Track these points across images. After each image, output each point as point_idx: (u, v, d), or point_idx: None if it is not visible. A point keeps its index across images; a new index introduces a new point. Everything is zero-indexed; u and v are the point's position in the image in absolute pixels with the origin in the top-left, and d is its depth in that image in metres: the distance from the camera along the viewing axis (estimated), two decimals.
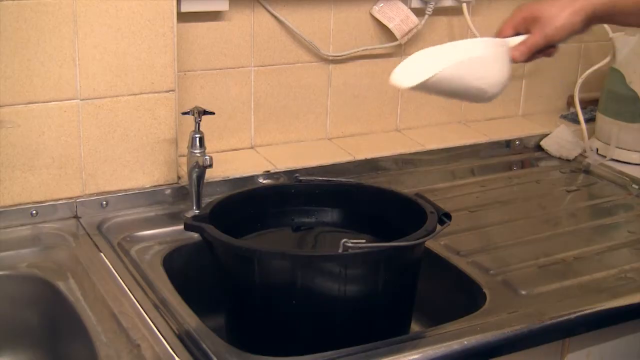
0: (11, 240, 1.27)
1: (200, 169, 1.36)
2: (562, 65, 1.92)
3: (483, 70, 1.12)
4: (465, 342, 1.06)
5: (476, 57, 1.12)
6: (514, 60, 1.15)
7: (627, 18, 1.19)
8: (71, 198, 1.35)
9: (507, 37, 1.18)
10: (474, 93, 1.14)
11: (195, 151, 1.35)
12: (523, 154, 1.77)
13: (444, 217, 1.14)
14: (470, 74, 1.12)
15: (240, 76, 1.55)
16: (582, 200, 1.58)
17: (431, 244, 1.28)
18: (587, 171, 1.69)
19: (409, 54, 1.18)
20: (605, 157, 1.72)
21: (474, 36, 1.72)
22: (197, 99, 1.51)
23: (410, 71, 1.13)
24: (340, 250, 1.02)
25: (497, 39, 1.18)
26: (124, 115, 1.36)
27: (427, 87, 1.10)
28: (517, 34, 1.18)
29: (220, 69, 1.53)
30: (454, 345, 1.06)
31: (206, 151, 1.35)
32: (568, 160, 1.73)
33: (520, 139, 1.78)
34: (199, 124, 1.35)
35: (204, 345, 1.03)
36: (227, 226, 1.10)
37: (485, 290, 1.19)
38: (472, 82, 1.12)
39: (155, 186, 1.41)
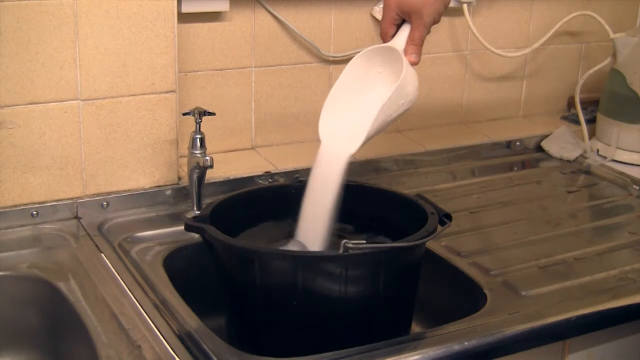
0: (12, 241, 1.27)
1: (200, 170, 1.36)
2: (563, 66, 1.92)
3: (403, 97, 1.15)
4: (466, 343, 1.06)
5: (393, 93, 1.13)
6: (414, 64, 1.17)
7: None
8: (72, 199, 1.35)
9: (392, 35, 1.20)
10: (403, 112, 1.17)
11: (196, 152, 1.35)
12: (524, 154, 1.77)
13: (445, 217, 1.14)
14: (396, 108, 1.15)
15: (241, 77, 1.55)
16: (582, 201, 1.58)
17: (432, 244, 1.29)
18: (587, 172, 1.69)
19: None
20: (606, 157, 1.72)
21: (475, 36, 1.73)
22: (198, 99, 1.51)
23: (340, 133, 1.16)
24: (340, 251, 1.02)
25: (387, 47, 1.19)
26: (124, 116, 1.36)
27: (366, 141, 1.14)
28: (398, 26, 1.20)
29: (221, 70, 1.53)
30: (455, 346, 1.06)
31: (207, 152, 1.35)
32: (569, 161, 1.73)
33: (521, 140, 1.78)
34: (199, 125, 1.35)
35: (205, 346, 1.03)
36: (227, 227, 1.10)
37: (486, 291, 1.19)
38: (400, 110, 1.16)
39: (155, 187, 1.41)
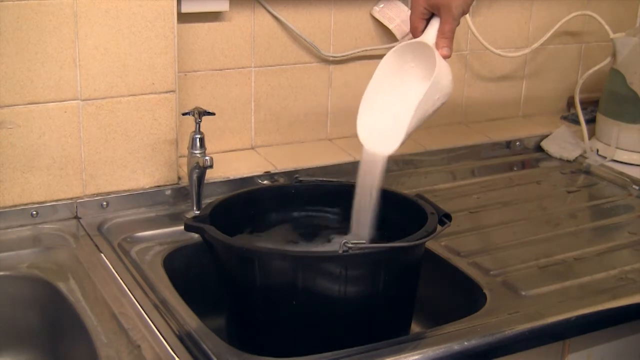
0: (11, 241, 1.27)
1: (200, 170, 1.36)
2: (563, 66, 1.92)
3: (439, 91, 1.15)
4: (466, 343, 1.06)
5: (428, 88, 1.13)
6: (446, 57, 1.17)
7: None
8: (71, 199, 1.35)
9: (422, 30, 1.20)
10: (439, 106, 1.17)
11: (196, 152, 1.35)
12: (523, 154, 1.77)
13: (445, 217, 1.14)
14: (432, 103, 1.15)
15: (241, 77, 1.55)
16: (582, 201, 1.58)
17: (432, 244, 1.29)
18: (587, 172, 1.69)
19: None
20: (605, 157, 1.72)
21: (474, 36, 1.73)
22: (198, 99, 1.51)
23: (379, 133, 1.16)
24: (340, 251, 1.02)
25: (419, 43, 1.19)
26: (124, 116, 1.36)
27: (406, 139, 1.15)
28: (427, 20, 1.20)
29: (221, 70, 1.53)
30: (455, 346, 1.06)
31: (206, 152, 1.35)
32: (568, 161, 1.73)
33: (520, 140, 1.78)
34: (199, 125, 1.35)
35: (205, 346, 1.03)
36: (227, 227, 1.11)
37: (486, 291, 1.19)
38: (436, 105, 1.16)
39: (155, 187, 1.41)
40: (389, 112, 1.17)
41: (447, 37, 1.17)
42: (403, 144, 1.14)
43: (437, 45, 1.17)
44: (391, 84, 1.19)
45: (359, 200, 1.17)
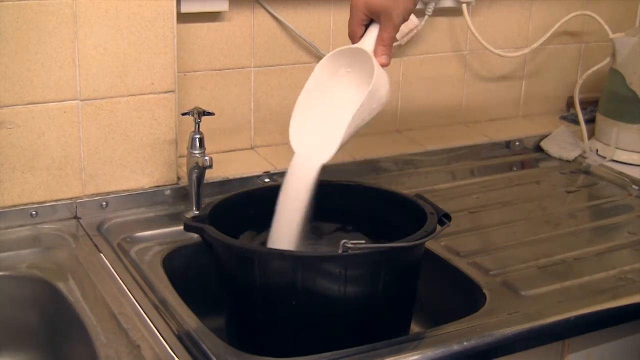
0: (11, 241, 1.27)
1: (200, 170, 1.36)
2: (562, 66, 1.92)
3: (376, 101, 1.12)
4: (465, 343, 1.06)
5: (366, 97, 1.10)
6: (384, 65, 1.14)
7: None
8: (71, 199, 1.35)
9: (360, 36, 1.16)
10: (375, 115, 1.14)
11: (195, 152, 1.35)
12: (523, 154, 1.77)
13: (444, 217, 1.14)
14: (369, 112, 1.12)
15: (240, 77, 1.55)
16: (582, 201, 1.58)
17: (431, 244, 1.29)
18: (587, 172, 1.69)
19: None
20: (605, 157, 1.72)
21: (474, 36, 1.73)
22: (197, 99, 1.51)
23: (313, 140, 1.13)
24: (340, 251, 1.02)
25: (356, 49, 1.16)
26: (123, 116, 1.36)
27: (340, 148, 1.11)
28: (366, 27, 1.17)
29: (220, 70, 1.53)
30: (454, 346, 1.06)
31: (206, 152, 1.35)
32: (568, 161, 1.73)
33: (520, 140, 1.78)
34: (198, 125, 1.35)
35: (204, 346, 1.03)
36: (227, 227, 1.10)
37: (485, 291, 1.19)
38: (373, 114, 1.13)
39: (155, 187, 1.41)
40: (322, 119, 1.14)
41: (386, 44, 1.14)
42: (336, 153, 1.11)
43: (375, 52, 1.14)
44: (326, 90, 1.16)
45: (282, 211, 1.12)
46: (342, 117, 1.11)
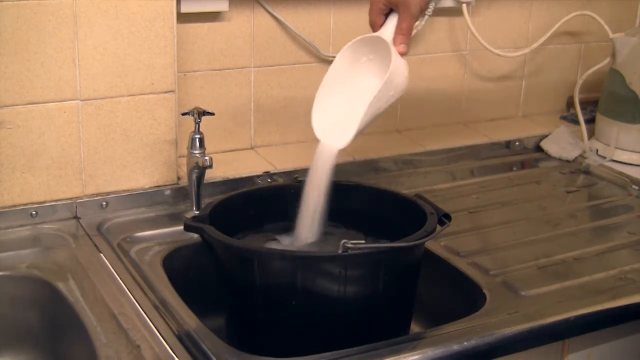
0: (11, 241, 1.27)
1: (200, 170, 1.36)
2: (562, 66, 1.92)
3: (393, 88, 1.15)
4: (465, 343, 1.06)
5: (383, 85, 1.13)
6: (403, 54, 1.17)
7: None
8: (71, 199, 1.35)
9: (380, 25, 1.20)
10: (393, 102, 1.17)
11: (195, 152, 1.35)
12: (523, 154, 1.77)
13: (444, 217, 1.14)
14: (386, 99, 1.15)
15: (240, 77, 1.55)
16: (582, 201, 1.58)
17: (431, 244, 1.29)
18: (587, 172, 1.69)
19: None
20: (605, 158, 1.72)
21: (474, 36, 1.73)
22: (197, 99, 1.51)
23: (332, 126, 1.16)
24: (340, 251, 1.02)
25: (375, 37, 1.19)
26: (124, 116, 1.36)
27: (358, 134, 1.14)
28: (386, 15, 1.20)
29: (220, 70, 1.53)
30: (454, 346, 1.06)
31: (206, 152, 1.35)
32: (568, 161, 1.73)
33: (520, 140, 1.78)
34: (198, 125, 1.35)
35: (204, 346, 1.03)
36: (227, 227, 1.10)
37: (485, 291, 1.19)
38: (390, 101, 1.16)
39: (155, 187, 1.41)
40: (343, 106, 1.18)
41: (404, 34, 1.17)
42: (354, 138, 1.14)
43: (394, 41, 1.17)
44: (347, 78, 1.19)
45: (307, 196, 1.16)
46: (360, 104, 1.13)
